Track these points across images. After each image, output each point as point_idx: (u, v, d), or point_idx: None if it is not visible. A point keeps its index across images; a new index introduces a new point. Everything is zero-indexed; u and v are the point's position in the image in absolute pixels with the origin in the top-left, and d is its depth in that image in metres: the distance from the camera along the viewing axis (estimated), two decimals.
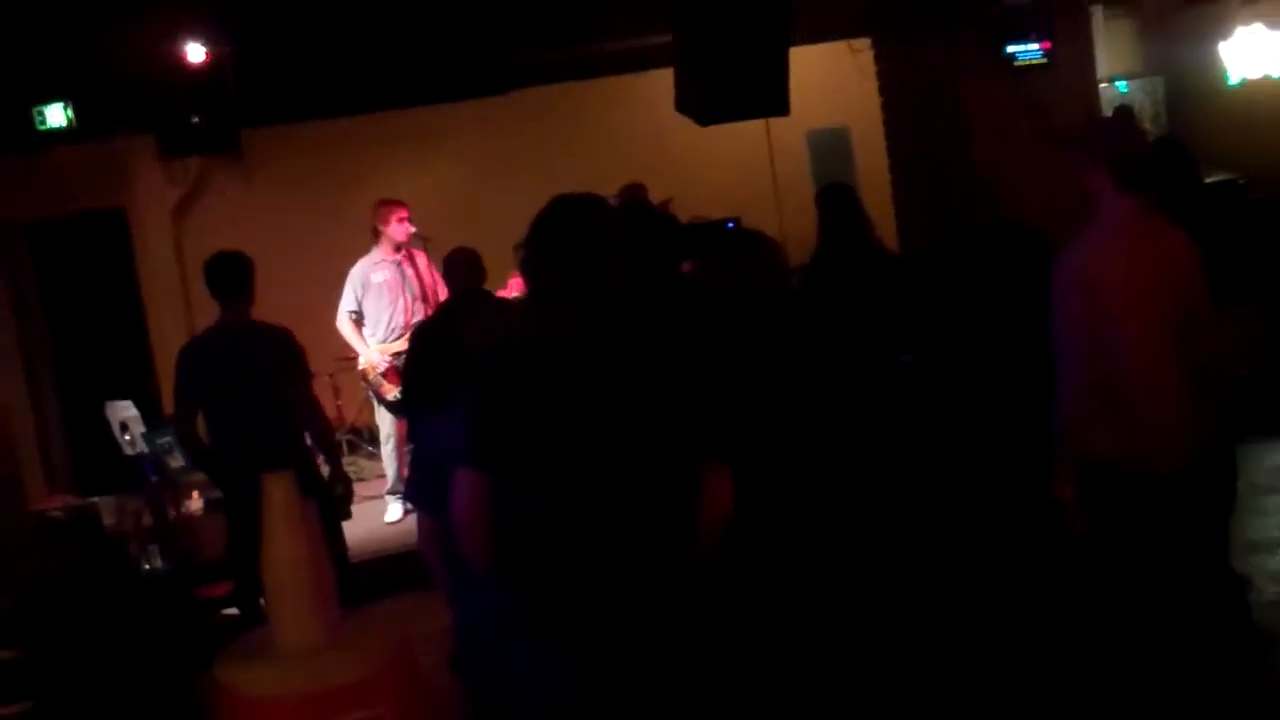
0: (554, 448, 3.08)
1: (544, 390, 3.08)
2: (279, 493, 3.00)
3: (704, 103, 7.05)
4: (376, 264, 8.38)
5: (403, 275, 8.37)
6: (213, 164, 10.19)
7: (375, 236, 8.42)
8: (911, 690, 4.54)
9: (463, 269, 6.38)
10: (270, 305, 6.19)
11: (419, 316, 8.27)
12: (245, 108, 7.27)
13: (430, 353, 5.81)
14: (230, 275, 5.83)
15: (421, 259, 8.46)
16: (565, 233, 3.22)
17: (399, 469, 8.40)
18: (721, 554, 3.42)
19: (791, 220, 11.45)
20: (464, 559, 3.28)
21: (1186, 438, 4.07)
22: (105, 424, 7.23)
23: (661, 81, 8.81)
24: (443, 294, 8.11)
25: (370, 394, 8.65)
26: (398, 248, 8.39)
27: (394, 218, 8.33)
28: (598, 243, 3.20)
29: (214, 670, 2.93)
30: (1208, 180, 11.61)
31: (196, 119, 8.68)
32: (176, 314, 10.30)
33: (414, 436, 6.03)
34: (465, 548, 3.15)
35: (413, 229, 8.39)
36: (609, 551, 3.13)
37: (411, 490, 4.00)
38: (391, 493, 8.36)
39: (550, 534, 3.12)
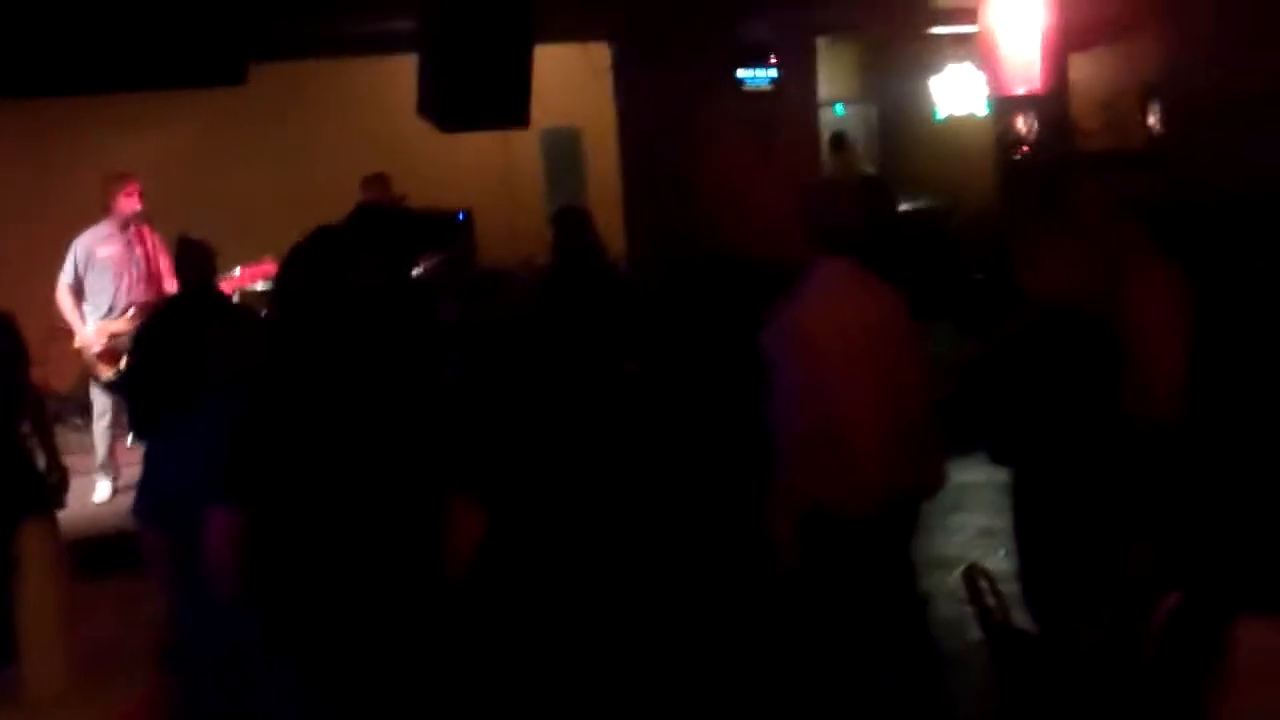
0: (305, 483, 3.23)
1: (299, 431, 3.22)
2: (36, 542, 3.03)
3: (445, 109, 7.18)
4: (104, 238, 8.19)
5: (131, 252, 8.21)
6: None
7: (106, 210, 8.22)
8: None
9: (194, 263, 6.34)
10: None
11: (143, 295, 8.15)
12: None
13: (159, 358, 5.75)
14: None
15: (152, 238, 8.30)
16: (304, 275, 3.37)
17: (110, 447, 8.26)
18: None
19: (522, 212, 11.69)
20: (205, 579, 3.39)
21: (888, 484, 4.47)
22: None
23: (399, 68, 8.86)
24: (168, 273, 8.08)
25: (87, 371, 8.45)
26: (126, 224, 8.21)
27: (121, 192, 8.16)
28: (334, 284, 3.35)
29: None
30: (911, 206, 12.40)
31: None
32: None
33: (139, 432, 5.95)
34: (219, 581, 3.27)
35: (139, 205, 8.23)
36: (352, 579, 3.30)
37: (141, 506, 4.03)
38: (101, 469, 8.21)
39: (298, 561, 3.26)
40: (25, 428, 5.91)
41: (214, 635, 3.66)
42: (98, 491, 8.17)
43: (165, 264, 8.12)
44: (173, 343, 5.62)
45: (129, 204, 8.18)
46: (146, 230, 8.31)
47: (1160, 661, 2.69)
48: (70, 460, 6.16)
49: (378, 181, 9.13)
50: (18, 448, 5.77)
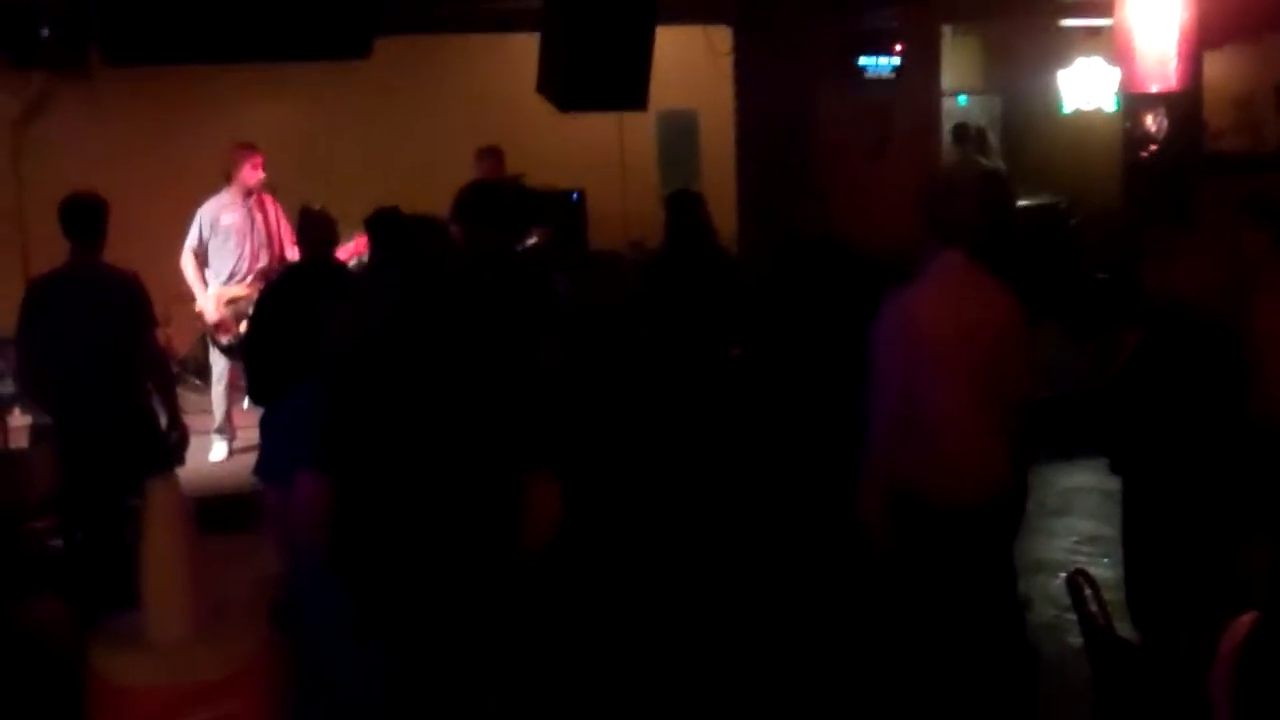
0: (389, 453, 3.29)
1: (385, 400, 3.29)
2: (163, 495, 3.15)
3: (565, 90, 7.22)
4: (225, 206, 8.38)
5: (251, 220, 8.40)
6: (59, 81, 9.96)
7: (228, 179, 8.42)
8: (714, 686, 4.82)
9: (315, 233, 6.44)
10: (110, 231, 6.09)
11: (263, 262, 8.36)
12: (104, 43, 7.15)
13: (277, 326, 5.87)
14: (84, 218, 5.84)
15: (273, 207, 8.49)
16: (400, 253, 3.44)
17: (227, 409, 8.47)
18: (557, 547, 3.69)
19: (635, 194, 11.69)
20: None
21: (985, 480, 4.43)
22: None
23: (517, 45, 8.90)
24: (289, 240, 8.29)
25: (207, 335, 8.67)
26: (248, 193, 8.40)
27: (247, 164, 8.36)
28: (428, 263, 3.41)
29: (88, 655, 3.13)
30: (1031, 202, 12.21)
31: (46, 32, 8.52)
32: (10, 231, 10.07)
33: (255, 397, 6.10)
34: (303, 544, 3.36)
35: (263, 175, 8.41)
36: (431, 551, 3.36)
37: (262, 468, 4.14)
38: (218, 432, 8.42)
39: (378, 531, 3.33)
40: (148, 386, 6.10)
41: (312, 597, 3.75)
42: (214, 452, 8.37)
43: (286, 232, 8.32)
44: (291, 310, 5.73)
45: (253, 175, 8.38)
46: (268, 198, 8.50)
47: (1244, 685, 2.61)
48: (188, 420, 6.35)
49: (491, 154, 9.21)
50: (143, 407, 5.97)
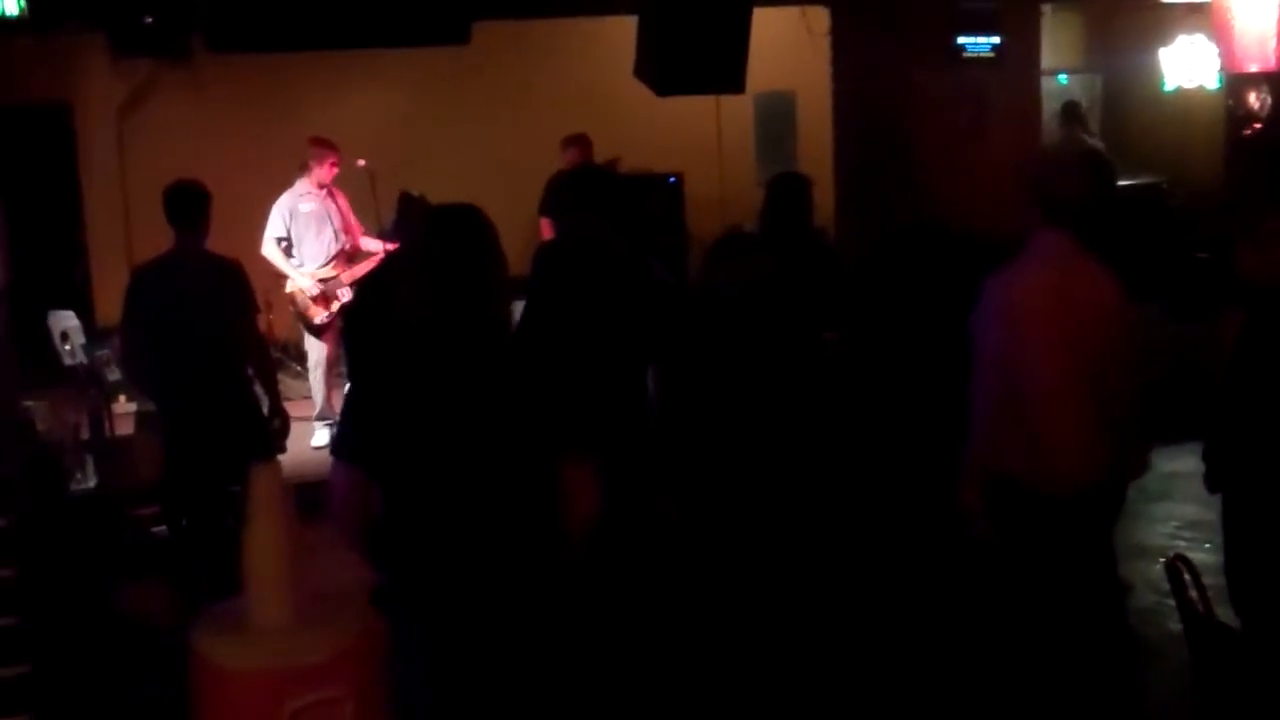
0: (409, 440, 3.28)
1: (405, 388, 3.29)
2: (266, 482, 3.20)
3: (662, 73, 7.23)
4: (302, 196, 8.68)
5: (326, 209, 8.68)
6: (162, 68, 10.16)
7: (304, 170, 8.67)
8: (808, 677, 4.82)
9: (414, 218, 6.53)
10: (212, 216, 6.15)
11: (340, 248, 8.70)
12: (208, 30, 7.29)
13: (375, 309, 5.93)
14: (188, 206, 5.91)
15: (343, 200, 8.82)
16: (438, 241, 3.43)
17: (327, 394, 8.59)
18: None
19: (732, 177, 11.66)
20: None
21: (1086, 465, 4.38)
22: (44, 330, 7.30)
23: (614, 29, 8.89)
24: (358, 230, 8.76)
25: (299, 319, 8.82)
26: (321, 185, 8.69)
27: (327, 161, 8.65)
28: (466, 254, 3.37)
29: (191, 639, 3.18)
30: (1132, 182, 11.98)
31: (149, 19, 8.69)
32: (114, 217, 10.34)
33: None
34: (340, 535, 3.35)
35: (337, 171, 8.69)
36: (459, 539, 3.32)
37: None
38: (319, 418, 8.54)
39: (405, 519, 3.33)
40: (250, 373, 6.19)
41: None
42: (315, 438, 8.49)
43: (354, 220, 8.79)
44: (389, 294, 5.79)
45: (331, 173, 8.70)
46: (338, 192, 8.82)
47: None
48: (289, 406, 6.42)
49: (577, 142, 9.24)
50: (245, 393, 6.07)
